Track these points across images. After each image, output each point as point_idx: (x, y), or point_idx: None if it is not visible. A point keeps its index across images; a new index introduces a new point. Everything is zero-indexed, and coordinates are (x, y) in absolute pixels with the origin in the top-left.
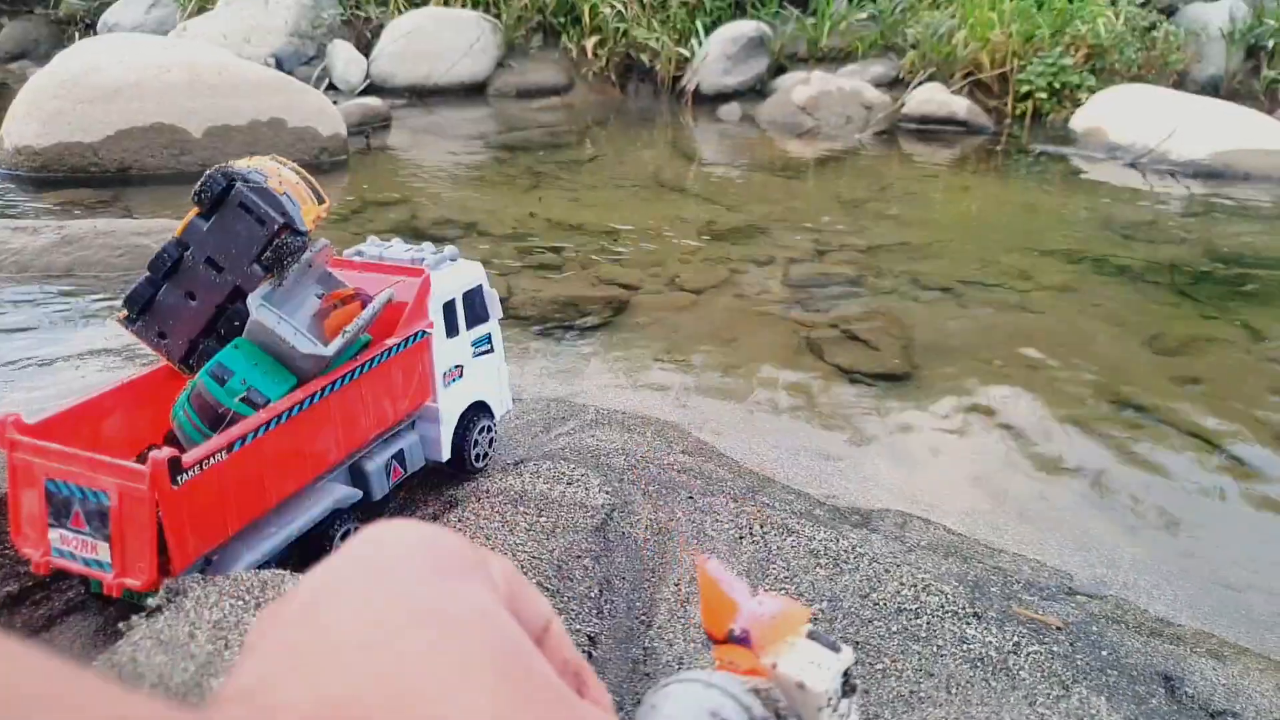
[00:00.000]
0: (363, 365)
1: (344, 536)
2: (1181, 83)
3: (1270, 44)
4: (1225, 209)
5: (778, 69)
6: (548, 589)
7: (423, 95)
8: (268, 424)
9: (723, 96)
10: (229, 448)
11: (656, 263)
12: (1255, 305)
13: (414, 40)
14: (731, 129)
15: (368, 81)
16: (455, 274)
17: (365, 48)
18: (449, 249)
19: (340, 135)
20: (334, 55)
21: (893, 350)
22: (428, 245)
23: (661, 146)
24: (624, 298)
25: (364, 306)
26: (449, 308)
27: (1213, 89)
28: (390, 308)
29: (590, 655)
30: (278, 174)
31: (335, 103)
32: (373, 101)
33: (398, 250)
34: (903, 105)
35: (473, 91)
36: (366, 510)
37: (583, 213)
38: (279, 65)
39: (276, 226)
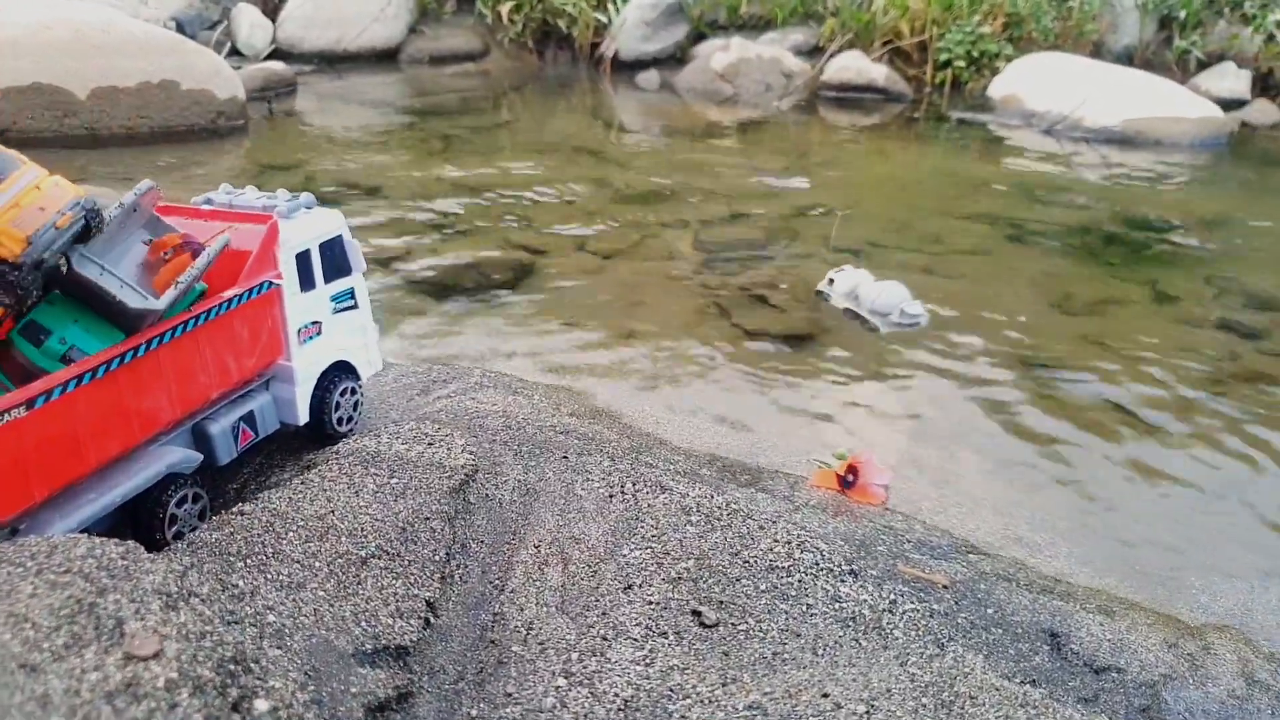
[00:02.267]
0: (197, 317)
1: (180, 503)
2: (1097, 52)
3: (1182, 14)
4: (1136, 175)
5: (697, 36)
6: (388, 552)
7: (332, 61)
8: (79, 378)
9: (641, 64)
10: (29, 404)
11: (566, 226)
12: (1163, 267)
13: (323, 5)
14: (650, 96)
15: (273, 47)
16: (310, 222)
17: (272, 12)
18: (304, 196)
19: (238, 99)
20: (238, 19)
21: (799, 313)
22: (281, 193)
23: (578, 113)
24: (530, 262)
25: (195, 256)
26: (303, 259)
27: (1127, 58)
28: (234, 257)
29: (428, 623)
30: None
31: (238, 68)
32: (277, 66)
33: (249, 197)
34: (822, 73)
35: (384, 58)
36: (214, 475)
37: (493, 177)
38: (180, 29)
39: None
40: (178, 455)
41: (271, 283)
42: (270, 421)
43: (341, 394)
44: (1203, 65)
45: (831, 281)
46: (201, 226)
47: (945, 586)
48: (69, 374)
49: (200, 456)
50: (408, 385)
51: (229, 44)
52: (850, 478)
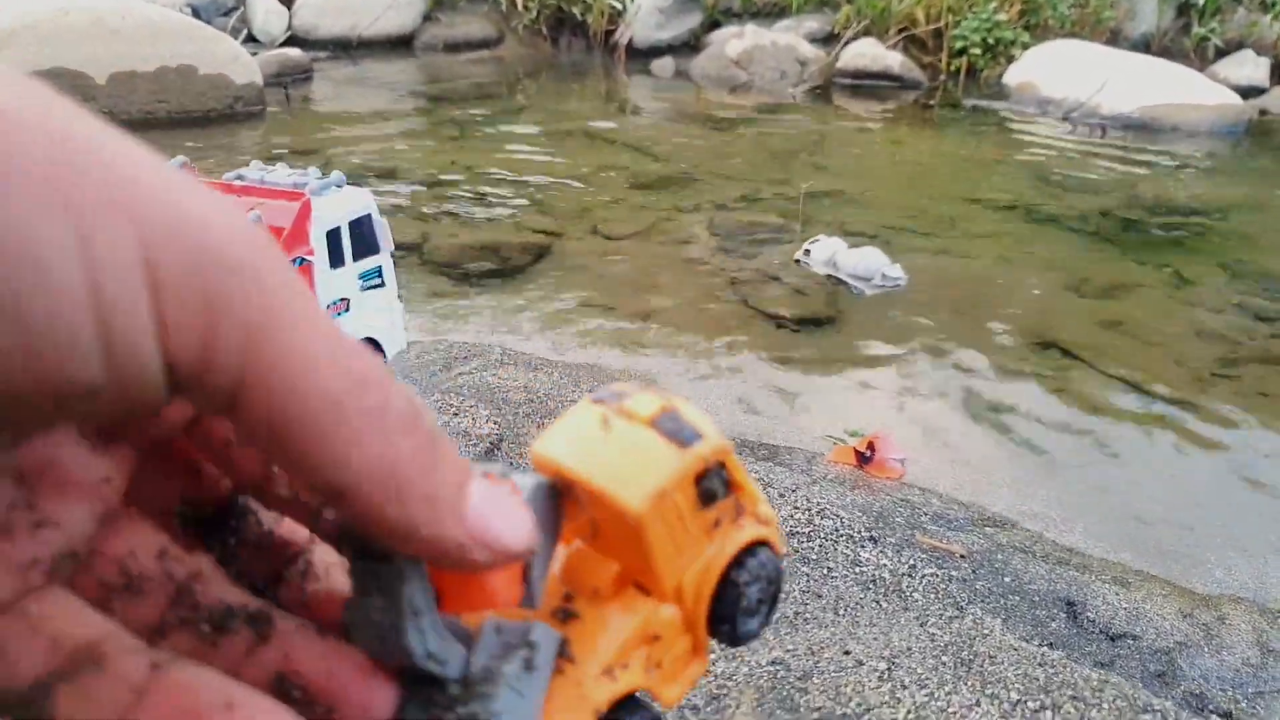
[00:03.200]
0: None
1: None
2: (1114, 40)
3: (1200, 2)
4: (1153, 161)
5: (711, 24)
6: None
7: (347, 48)
8: None
9: (656, 51)
10: None
11: (582, 211)
12: (1180, 252)
13: None
14: (664, 83)
15: (289, 34)
16: (341, 201)
17: None
18: (335, 174)
19: (255, 84)
20: (254, 5)
21: (818, 295)
22: (313, 170)
23: (592, 100)
24: (546, 244)
25: None
26: (333, 236)
27: (1144, 46)
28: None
29: None
30: None
31: (254, 54)
32: (293, 52)
33: (280, 174)
34: (837, 60)
35: (399, 45)
36: None
37: (508, 162)
38: (196, 15)
39: None
40: None
41: (303, 259)
42: None
43: None
44: (1221, 53)
45: (808, 251)
46: (234, 202)
47: (962, 556)
48: None
49: None
50: (430, 361)
51: (245, 30)
52: (868, 453)
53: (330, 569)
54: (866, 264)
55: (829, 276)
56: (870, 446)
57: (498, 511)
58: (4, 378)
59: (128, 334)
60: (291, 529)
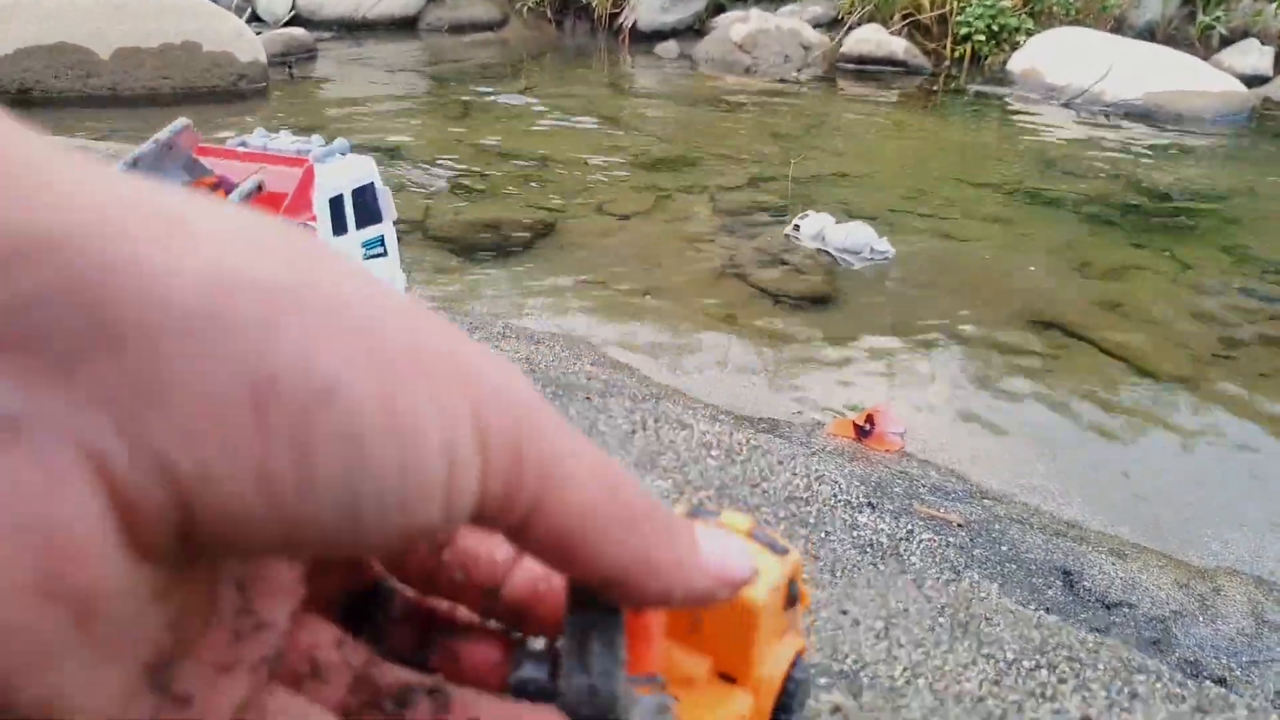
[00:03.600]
0: None
1: None
2: (1119, 27)
3: None
4: (1156, 147)
5: (716, 7)
6: None
7: (351, 29)
8: None
9: (660, 34)
10: None
11: (585, 189)
12: (1182, 237)
13: None
14: (668, 66)
15: (293, 13)
16: (344, 168)
17: None
18: (339, 142)
19: (260, 62)
20: None
21: (818, 273)
22: (316, 138)
23: (596, 82)
24: (549, 221)
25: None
26: (336, 203)
27: (1149, 34)
28: (269, 199)
29: None
30: None
31: (259, 34)
32: (297, 32)
33: (284, 141)
34: (841, 45)
35: (403, 26)
36: None
37: (512, 141)
38: None
39: None
40: None
41: (306, 225)
42: None
43: None
44: (1226, 41)
45: (797, 226)
46: (238, 168)
47: (960, 525)
48: None
49: None
50: None
51: (249, 9)
52: (867, 426)
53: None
54: (854, 238)
55: (819, 251)
56: (869, 420)
57: (723, 551)
58: (377, 526)
59: (464, 482)
60: (434, 601)
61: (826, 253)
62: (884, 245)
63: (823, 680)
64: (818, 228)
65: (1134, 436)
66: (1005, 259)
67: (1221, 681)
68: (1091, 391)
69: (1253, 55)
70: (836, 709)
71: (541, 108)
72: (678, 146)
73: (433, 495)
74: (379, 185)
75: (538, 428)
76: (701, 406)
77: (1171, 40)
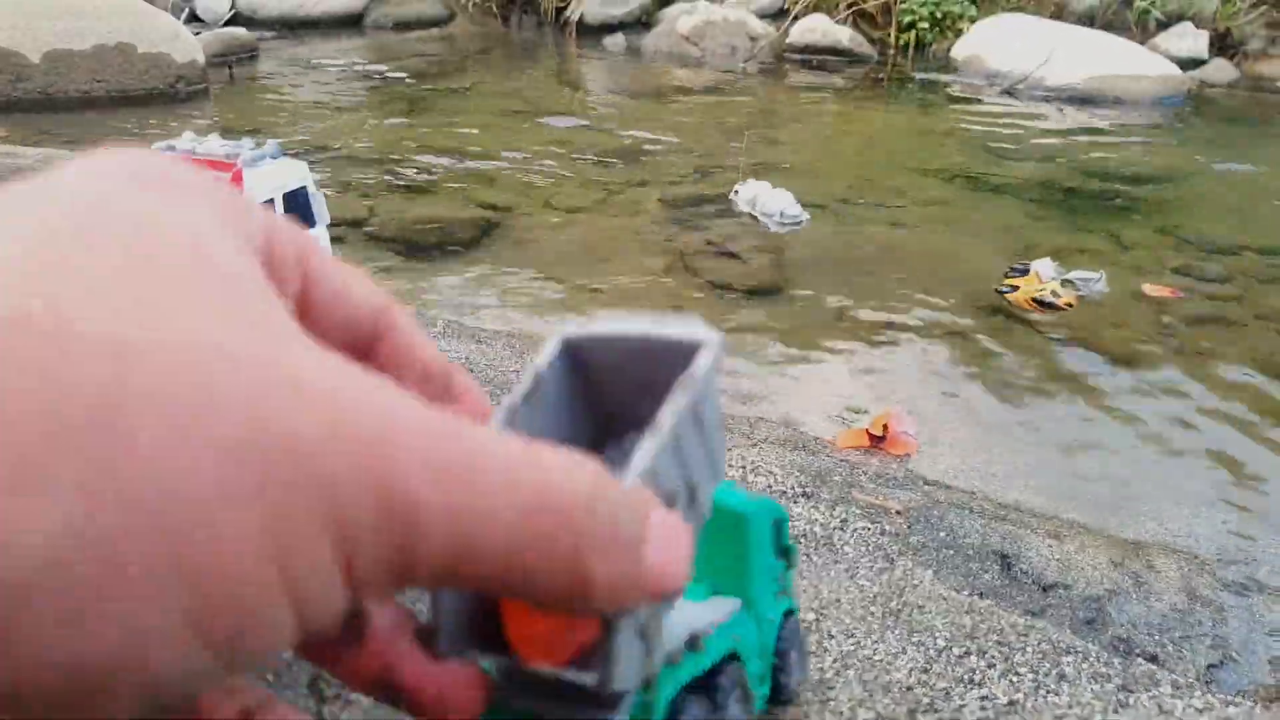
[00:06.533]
0: None
1: None
2: (1059, 14)
3: None
4: (1096, 131)
5: (663, 0)
6: None
7: (293, 27)
8: None
9: (608, 27)
10: None
11: (531, 185)
12: (1122, 218)
13: None
14: (616, 60)
15: (233, 12)
16: (275, 172)
17: None
18: (270, 145)
19: (198, 63)
20: None
21: (764, 265)
22: (246, 141)
23: (544, 77)
24: (494, 219)
25: None
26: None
27: (1088, 20)
28: None
29: None
30: None
31: (198, 34)
32: (237, 31)
33: (213, 145)
34: (787, 35)
35: (347, 23)
36: None
37: (457, 138)
38: None
39: None
40: None
41: None
42: None
43: None
44: (1162, 26)
45: (737, 191)
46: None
47: (899, 513)
48: None
49: None
50: None
51: (187, 9)
52: (881, 433)
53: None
54: (770, 203)
55: (750, 216)
56: (885, 426)
57: (669, 553)
58: (224, 656)
59: (317, 600)
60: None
61: (753, 216)
62: (795, 210)
63: None
64: (751, 194)
65: (1076, 417)
66: (951, 244)
67: (1153, 658)
68: (1034, 374)
69: (1188, 39)
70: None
71: (488, 104)
72: (626, 140)
73: (279, 623)
74: (312, 189)
75: (437, 493)
76: None
77: (1110, 26)
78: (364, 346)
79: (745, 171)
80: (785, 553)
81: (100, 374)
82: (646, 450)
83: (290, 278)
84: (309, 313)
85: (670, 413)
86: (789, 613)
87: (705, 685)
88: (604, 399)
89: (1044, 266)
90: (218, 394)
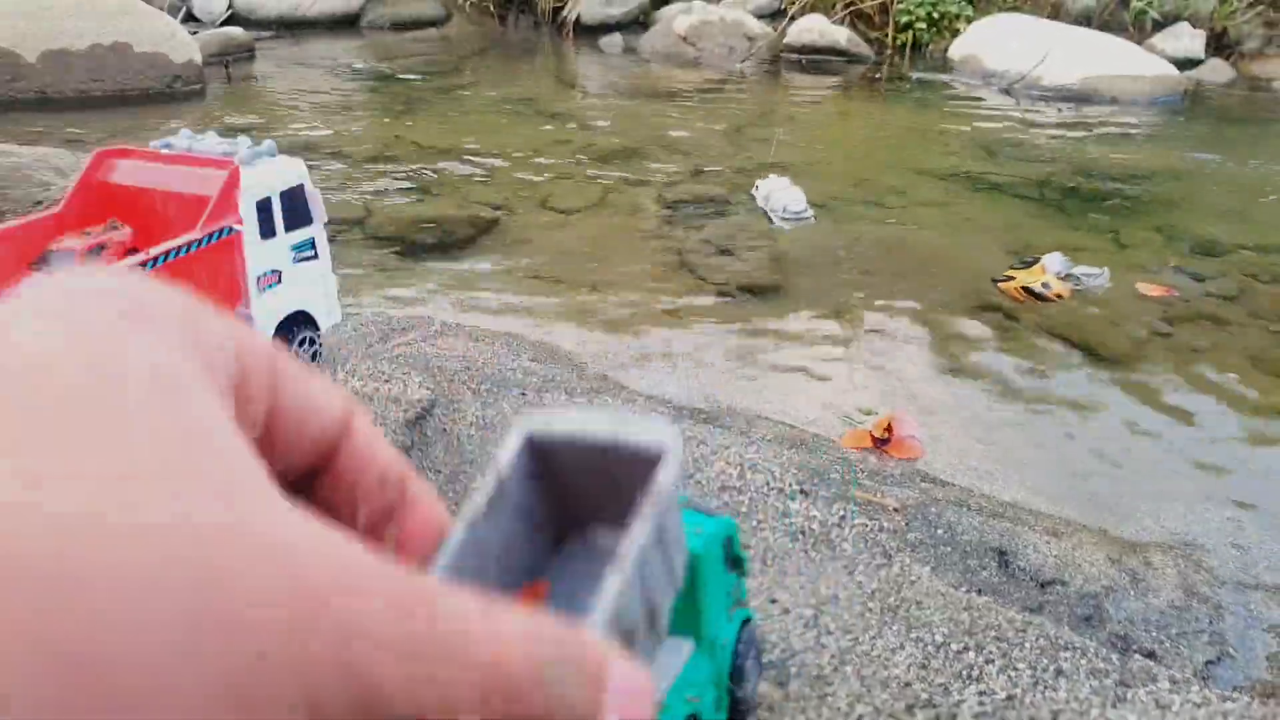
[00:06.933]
0: (155, 259)
1: None
2: (1056, 14)
3: None
4: (1093, 131)
5: (660, 0)
6: None
7: (290, 27)
8: None
9: (605, 27)
10: None
11: (530, 185)
12: (1118, 217)
13: None
14: (613, 60)
15: (230, 12)
16: (271, 170)
17: None
18: (266, 143)
19: (195, 62)
20: None
21: (762, 264)
22: (243, 139)
23: (541, 76)
24: (492, 218)
25: None
26: (263, 206)
27: (1085, 20)
28: (195, 201)
29: None
30: None
31: (195, 33)
32: (234, 31)
33: (210, 143)
34: (784, 35)
35: (344, 24)
36: None
37: (455, 138)
38: None
39: None
40: None
41: (231, 228)
42: None
43: (300, 343)
44: (1159, 26)
45: (757, 187)
46: (161, 170)
47: (897, 510)
48: None
49: None
50: (366, 334)
51: (184, 9)
52: (885, 435)
53: None
54: (777, 199)
55: (763, 211)
56: (888, 429)
57: (630, 691)
58: None
59: None
60: None
61: (765, 211)
62: (798, 207)
63: None
64: (767, 190)
65: (1072, 415)
66: (948, 244)
67: (1151, 654)
68: (1032, 373)
69: (1185, 39)
70: (762, 699)
71: (485, 104)
72: (623, 140)
73: None
74: (309, 187)
75: (381, 650)
76: (641, 399)
77: (1107, 26)
78: (327, 451)
79: (768, 169)
80: (737, 563)
81: (52, 549)
82: (609, 590)
83: (259, 396)
84: (276, 423)
85: (633, 544)
86: (745, 622)
87: None
88: (566, 491)
89: (1054, 260)
90: (175, 565)
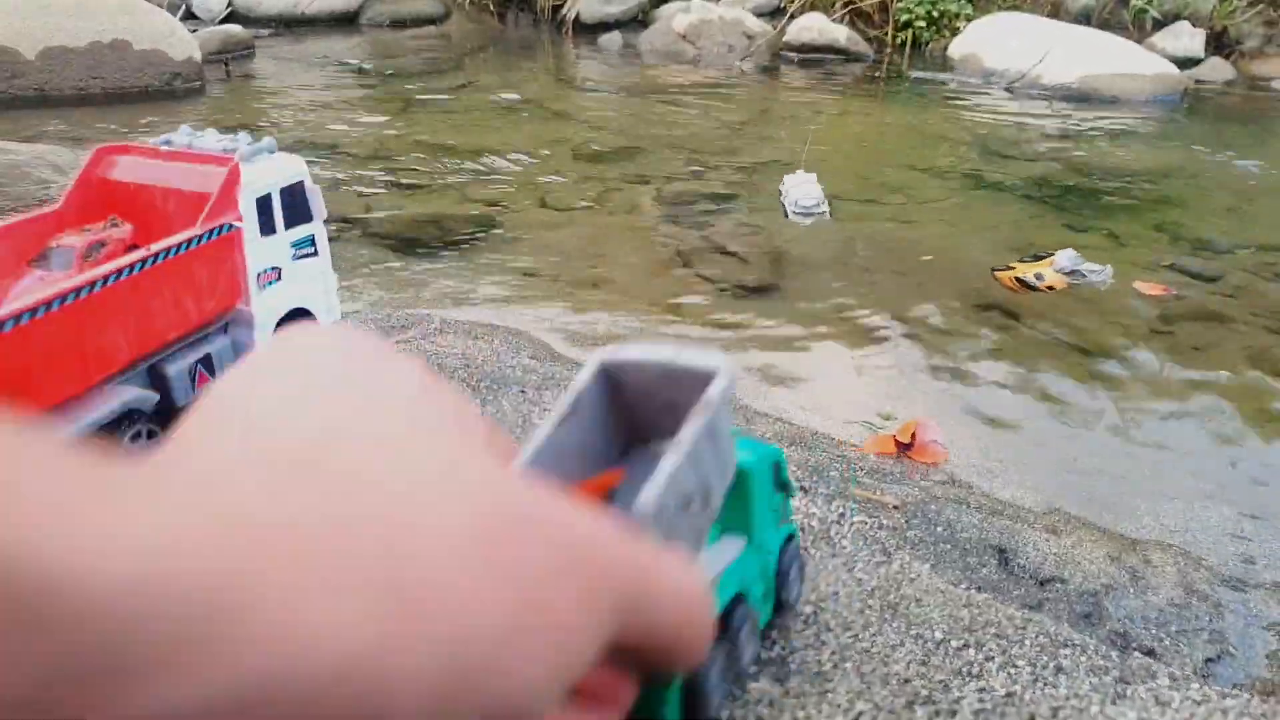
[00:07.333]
0: (155, 255)
1: (134, 439)
2: (1055, 12)
3: None
4: (1093, 129)
5: None
6: None
7: (290, 25)
8: (33, 311)
9: (604, 26)
10: None
11: (529, 183)
12: (1119, 216)
13: None
14: (612, 58)
15: (230, 10)
16: (272, 167)
17: None
18: (266, 140)
19: (194, 60)
20: None
21: (762, 263)
22: (243, 136)
23: (540, 75)
24: (491, 216)
25: None
26: (264, 203)
27: (1085, 18)
28: (195, 198)
29: None
30: None
31: (194, 31)
32: (234, 29)
33: (209, 139)
34: (783, 34)
35: (344, 21)
36: (169, 416)
37: (453, 135)
38: None
39: None
40: (133, 394)
41: (231, 225)
42: (227, 364)
43: None
44: (1159, 25)
45: (784, 180)
46: (161, 167)
47: (896, 508)
48: (23, 307)
49: (156, 396)
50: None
51: (184, 6)
52: (909, 440)
53: None
54: (793, 192)
55: (781, 206)
56: (911, 435)
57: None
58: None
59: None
60: None
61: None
62: (809, 203)
63: (751, 669)
64: (788, 185)
65: (1073, 413)
66: (948, 242)
67: (1150, 652)
68: (1032, 371)
69: (1184, 38)
70: (762, 696)
71: (484, 102)
72: (622, 138)
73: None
74: (309, 184)
75: (650, 582)
76: None
77: (1106, 24)
78: None
79: (799, 164)
80: (784, 485)
81: (381, 512)
82: (666, 467)
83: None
84: None
85: (690, 431)
86: (790, 537)
87: (719, 624)
88: (634, 412)
89: (1064, 256)
90: (495, 517)
